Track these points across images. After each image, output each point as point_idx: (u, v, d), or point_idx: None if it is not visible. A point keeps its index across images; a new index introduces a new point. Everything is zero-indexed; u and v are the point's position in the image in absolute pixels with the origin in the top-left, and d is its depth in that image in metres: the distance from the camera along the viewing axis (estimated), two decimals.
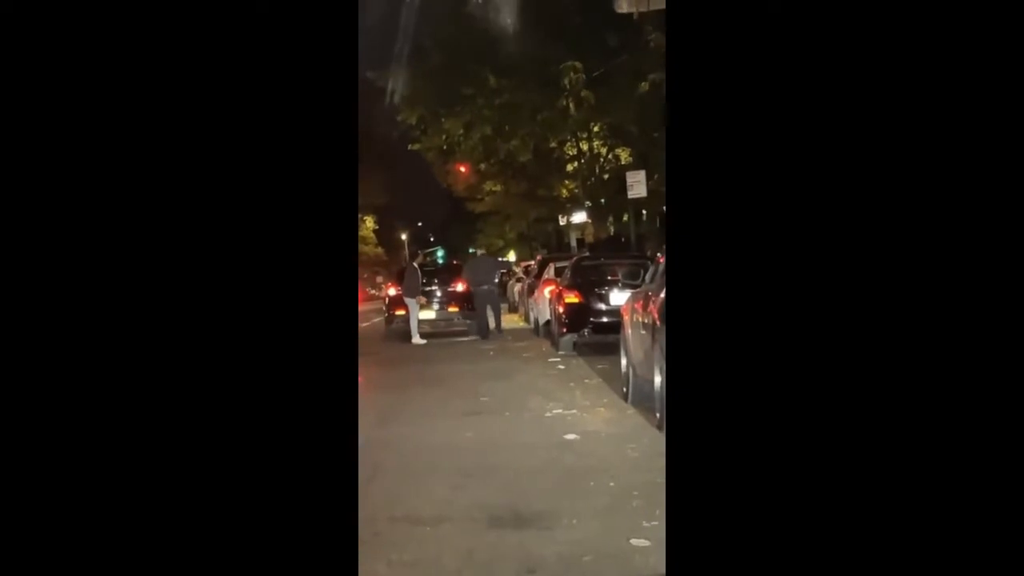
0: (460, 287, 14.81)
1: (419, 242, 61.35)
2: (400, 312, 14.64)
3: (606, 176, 22.07)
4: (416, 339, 13.69)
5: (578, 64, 17.67)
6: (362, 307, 30.87)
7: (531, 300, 15.30)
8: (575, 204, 24.94)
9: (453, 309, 14.71)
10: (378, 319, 18.29)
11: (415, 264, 14.82)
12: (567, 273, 11.97)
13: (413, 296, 13.87)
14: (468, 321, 14.58)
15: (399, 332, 14.63)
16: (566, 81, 17.79)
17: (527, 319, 16.29)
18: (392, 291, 15.45)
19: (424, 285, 14.29)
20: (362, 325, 19.66)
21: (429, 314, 14.44)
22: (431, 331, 14.58)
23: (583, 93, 17.87)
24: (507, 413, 6.80)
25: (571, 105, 18.29)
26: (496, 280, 15.04)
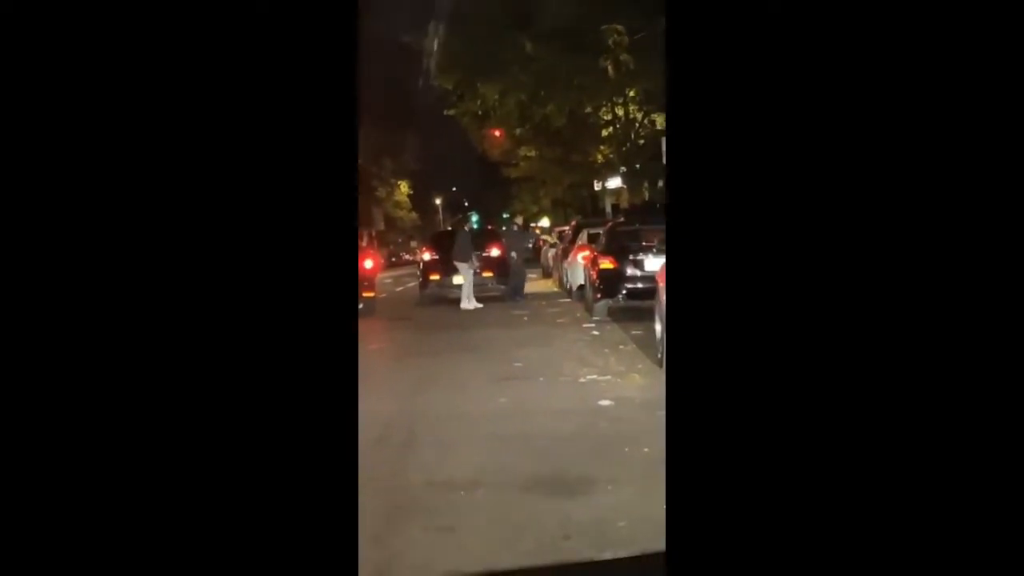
0: (495, 252, 14.79)
1: (453, 207, 61.51)
2: (434, 277, 14.58)
3: (641, 141, 21.90)
4: (465, 303, 13.55)
5: (620, 27, 17.45)
6: (396, 272, 31.04)
7: (564, 264, 15.42)
8: (610, 170, 24.78)
9: (488, 274, 14.65)
10: (412, 283, 18.35)
11: (466, 229, 14.60)
12: (602, 239, 11.93)
13: (465, 261, 13.76)
14: (501, 286, 14.59)
15: (433, 297, 14.66)
16: (610, 42, 17.56)
17: (561, 284, 16.33)
18: (427, 256, 15.32)
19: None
20: (396, 289, 19.76)
21: (462, 279, 14.37)
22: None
23: (622, 56, 17.67)
24: (541, 379, 6.80)
25: (610, 68, 18.10)
26: (529, 247, 15.30)
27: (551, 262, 19.45)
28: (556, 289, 16.63)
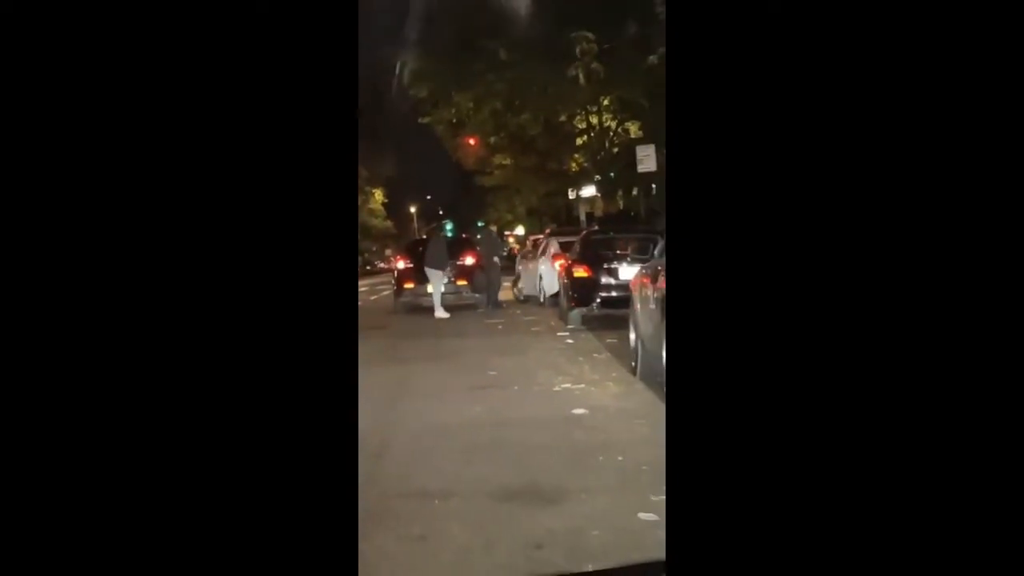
0: (470, 260, 14.74)
1: (428, 216, 61.48)
2: (409, 286, 14.49)
3: (615, 150, 21.98)
4: (439, 312, 13.39)
5: (590, 34, 17.50)
6: (371, 280, 30.91)
7: (525, 269, 15.67)
8: (585, 178, 24.84)
9: (462, 282, 14.58)
10: (387, 292, 18.28)
11: (441, 235, 14.66)
12: (576, 247, 11.96)
13: (439, 268, 13.64)
14: (476, 295, 14.54)
15: (407, 305, 14.61)
16: (577, 50, 17.62)
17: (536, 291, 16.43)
18: (401, 264, 15.21)
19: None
20: (371, 298, 19.69)
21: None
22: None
23: (593, 65, 17.72)
24: (516, 388, 6.79)
25: (581, 76, 18.16)
26: (504, 253, 15.29)
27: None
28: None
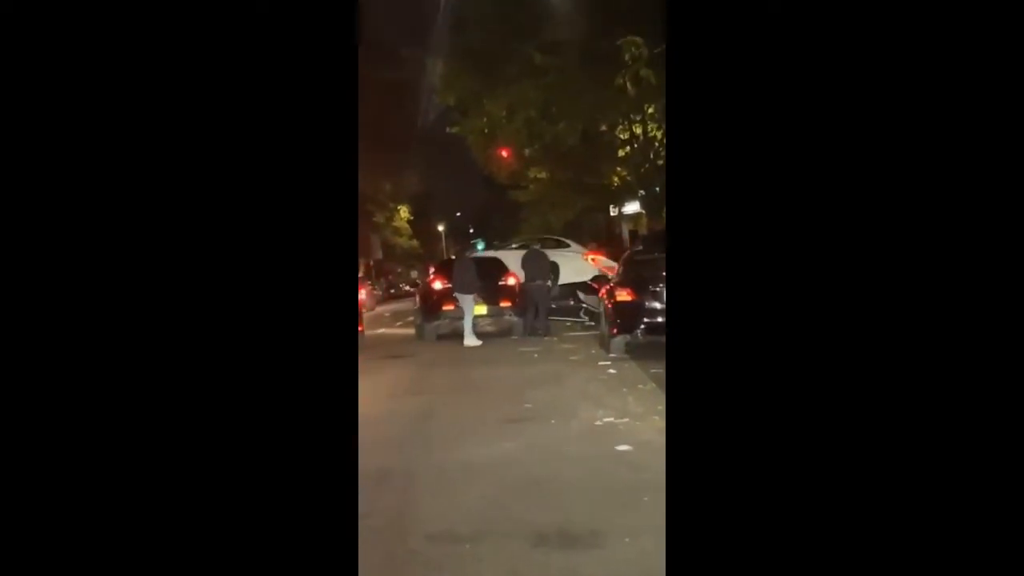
0: (511, 281, 14.62)
1: (457, 234, 61.60)
2: (449, 308, 14.22)
3: (660, 162, 21.90)
4: (469, 340, 13.32)
5: (639, 39, 17.46)
6: (395, 305, 30.99)
7: None
8: (627, 193, 24.77)
9: (506, 304, 14.44)
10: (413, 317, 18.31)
11: (468, 255, 14.51)
12: (619, 270, 11.91)
13: (469, 292, 13.51)
14: (515, 319, 14.39)
15: (436, 331, 14.57)
16: (627, 57, 17.57)
17: None
18: (438, 284, 14.79)
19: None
20: (396, 324, 19.75)
21: (481, 310, 14.06)
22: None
23: (642, 72, 17.66)
24: (553, 421, 6.77)
25: (628, 84, 18.10)
26: (550, 279, 14.90)
27: None
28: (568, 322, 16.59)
